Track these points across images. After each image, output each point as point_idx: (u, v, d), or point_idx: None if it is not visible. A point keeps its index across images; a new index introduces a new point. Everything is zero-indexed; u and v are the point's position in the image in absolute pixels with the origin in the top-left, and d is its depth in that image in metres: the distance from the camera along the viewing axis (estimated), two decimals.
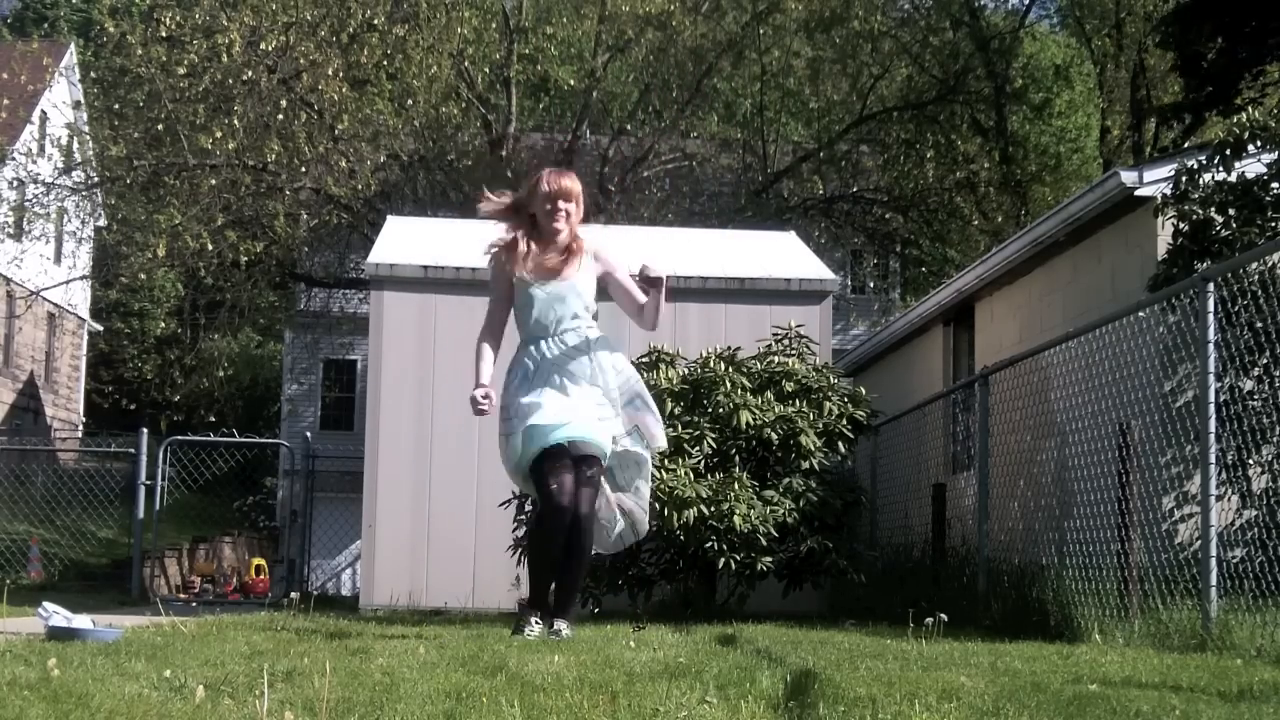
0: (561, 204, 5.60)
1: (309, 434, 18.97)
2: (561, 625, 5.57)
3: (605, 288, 5.75)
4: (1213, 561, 5.70)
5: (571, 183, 5.66)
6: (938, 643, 5.61)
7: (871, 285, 27.08)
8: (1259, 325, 6.11)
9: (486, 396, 5.55)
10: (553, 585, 5.63)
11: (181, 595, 16.51)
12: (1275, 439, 6.71)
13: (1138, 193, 9.09)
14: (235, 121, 18.02)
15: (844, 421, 9.07)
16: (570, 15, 22.41)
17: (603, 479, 5.60)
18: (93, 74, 23.82)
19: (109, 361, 30.72)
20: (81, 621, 5.62)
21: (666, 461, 8.43)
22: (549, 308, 5.57)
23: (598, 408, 5.53)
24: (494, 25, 21.84)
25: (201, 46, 18.12)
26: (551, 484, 5.38)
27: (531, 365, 5.56)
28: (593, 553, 5.75)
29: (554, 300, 5.58)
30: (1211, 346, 5.91)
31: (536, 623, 5.54)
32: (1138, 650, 5.43)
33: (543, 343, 5.56)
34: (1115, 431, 6.73)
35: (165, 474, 14.54)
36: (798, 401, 8.97)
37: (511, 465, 5.60)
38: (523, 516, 8.66)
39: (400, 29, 19.54)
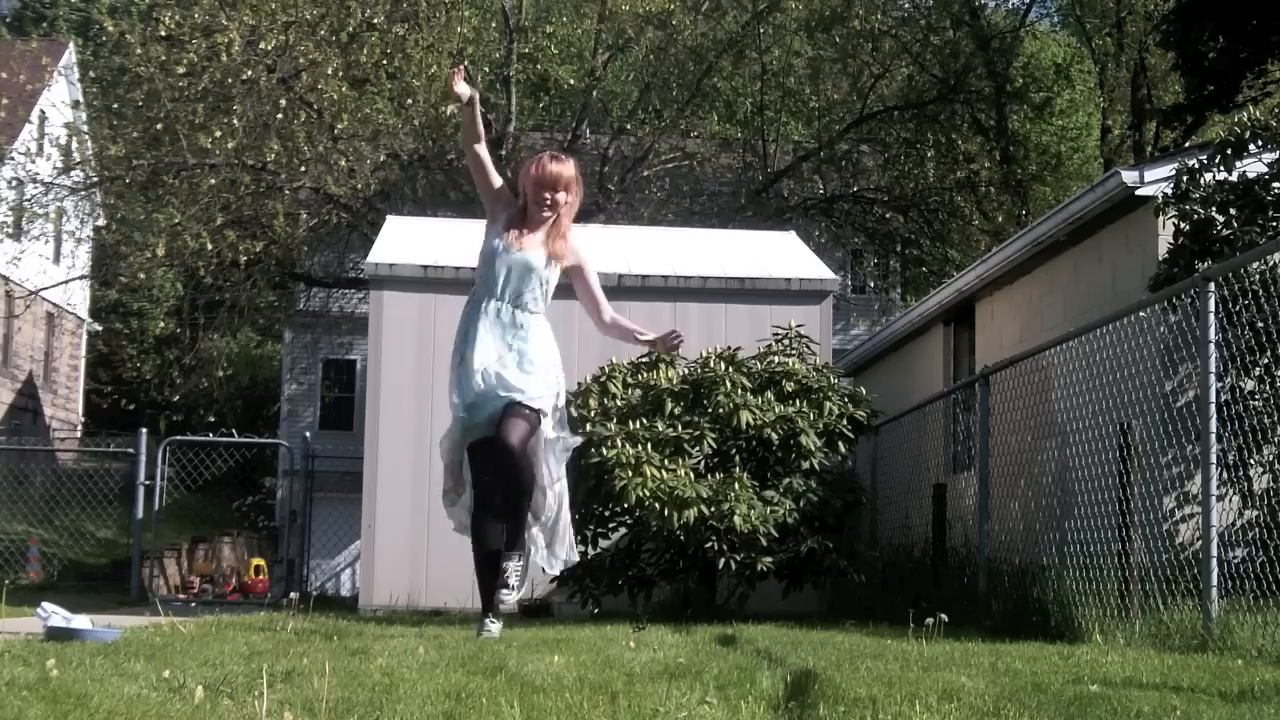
0: (548, 194, 5.44)
1: (308, 434, 18.92)
2: (508, 579, 5.38)
3: (571, 281, 5.64)
4: (1214, 561, 5.70)
5: (563, 168, 5.47)
6: (938, 643, 5.60)
7: (871, 285, 27.03)
8: (1260, 325, 6.11)
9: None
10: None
11: (181, 595, 16.49)
12: (1276, 439, 6.70)
13: (1139, 192, 9.08)
14: (235, 121, 17.99)
15: (844, 421, 9.06)
16: (570, 14, 22.40)
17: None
18: (92, 73, 23.79)
19: (108, 361, 30.64)
20: (80, 622, 5.60)
21: (667, 462, 8.42)
22: (509, 274, 5.44)
23: (521, 374, 5.38)
24: (494, 24, 21.82)
25: (201, 46, 18.09)
26: (483, 476, 5.40)
27: (476, 318, 5.46)
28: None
29: (517, 269, 5.43)
30: (1212, 346, 5.91)
31: (491, 623, 5.42)
32: (1139, 651, 5.42)
33: (493, 302, 5.45)
34: (1116, 431, 6.73)
35: (164, 474, 14.53)
36: (798, 401, 8.96)
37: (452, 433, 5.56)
38: None
39: (400, 28, 19.53)
